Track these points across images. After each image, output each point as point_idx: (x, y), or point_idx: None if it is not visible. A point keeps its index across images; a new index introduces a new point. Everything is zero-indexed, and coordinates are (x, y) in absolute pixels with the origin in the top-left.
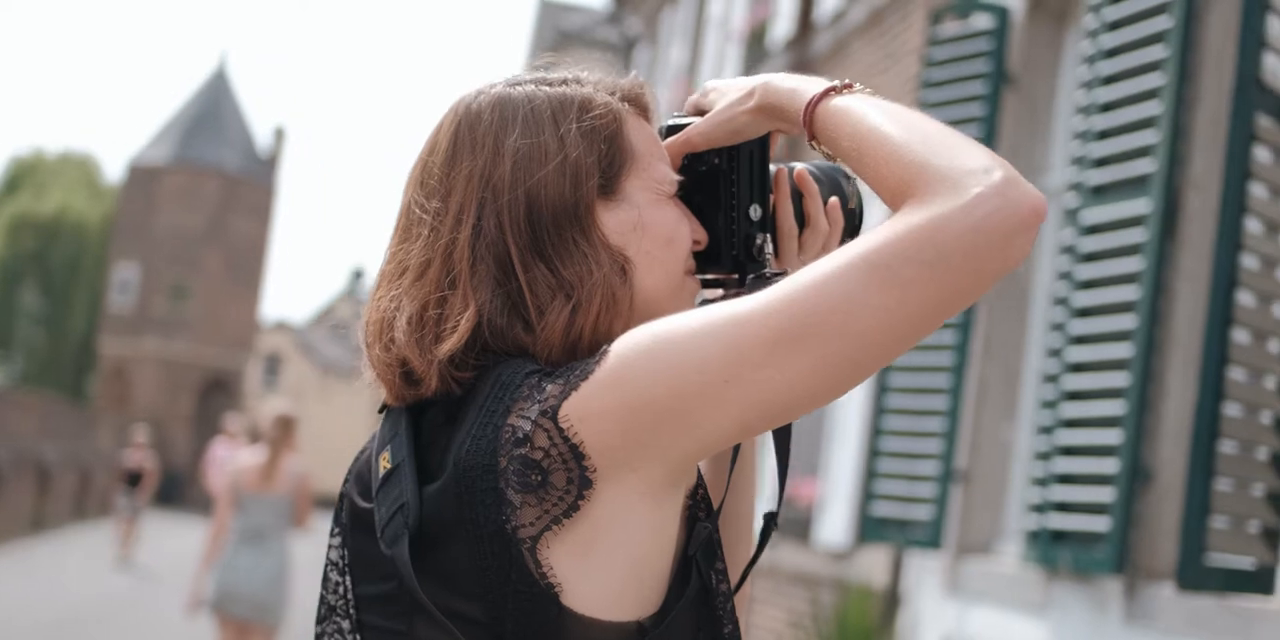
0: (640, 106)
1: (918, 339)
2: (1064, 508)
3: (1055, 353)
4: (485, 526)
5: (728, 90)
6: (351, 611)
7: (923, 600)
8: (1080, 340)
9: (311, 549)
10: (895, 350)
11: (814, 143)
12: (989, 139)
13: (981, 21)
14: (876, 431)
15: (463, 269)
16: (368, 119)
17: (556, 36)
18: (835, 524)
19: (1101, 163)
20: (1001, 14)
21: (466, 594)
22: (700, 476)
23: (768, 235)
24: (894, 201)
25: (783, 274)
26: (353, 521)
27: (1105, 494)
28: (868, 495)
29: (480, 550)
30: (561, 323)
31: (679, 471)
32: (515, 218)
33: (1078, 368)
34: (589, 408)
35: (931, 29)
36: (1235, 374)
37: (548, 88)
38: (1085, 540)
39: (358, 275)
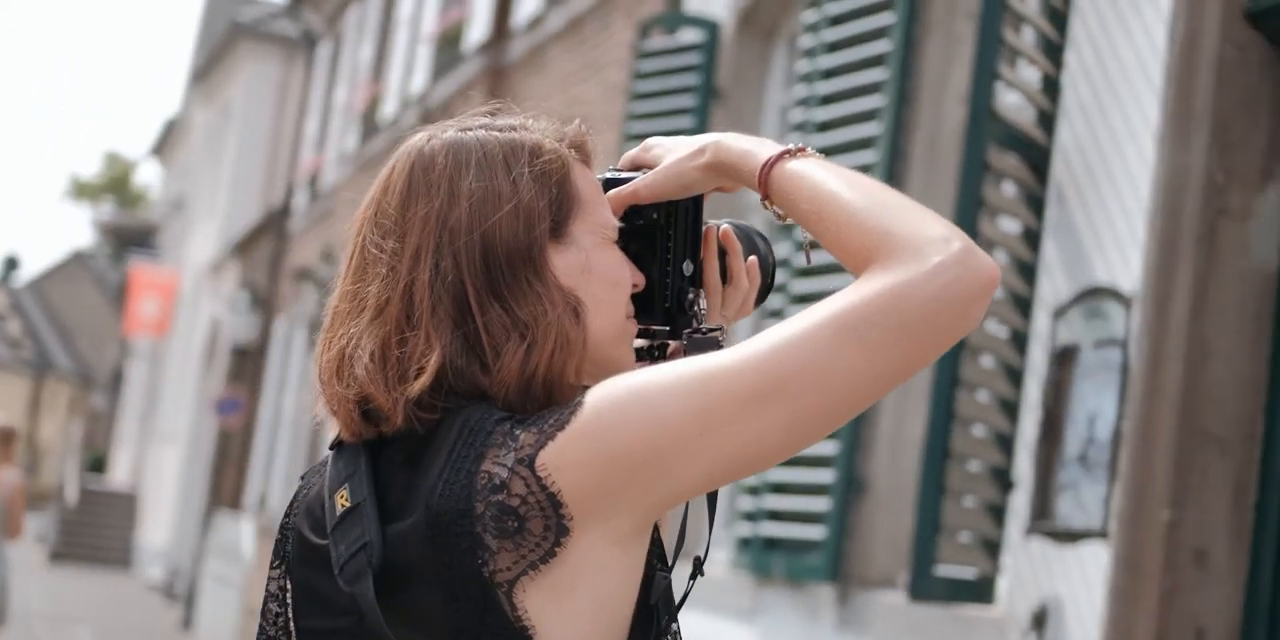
0: (584, 153)
1: (882, 395)
2: (777, 516)
3: None
4: (459, 569)
5: (674, 146)
6: None
7: None
8: None
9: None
10: (860, 406)
11: (766, 202)
12: None
13: (691, 35)
14: None
15: (423, 309)
16: (26, 103)
17: (229, 28)
18: None
19: None
20: (711, 29)
21: (434, 634)
22: (655, 526)
23: (700, 291)
24: (856, 265)
25: (719, 329)
26: (301, 556)
27: (820, 503)
28: None
29: (453, 592)
30: (517, 363)
31: (648, 520)
32: (472, 259)
33: None
34: (565, 457)
35: (639, 41)
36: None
37: (498, 133)
38: (798, 548)
39: (11, 264)
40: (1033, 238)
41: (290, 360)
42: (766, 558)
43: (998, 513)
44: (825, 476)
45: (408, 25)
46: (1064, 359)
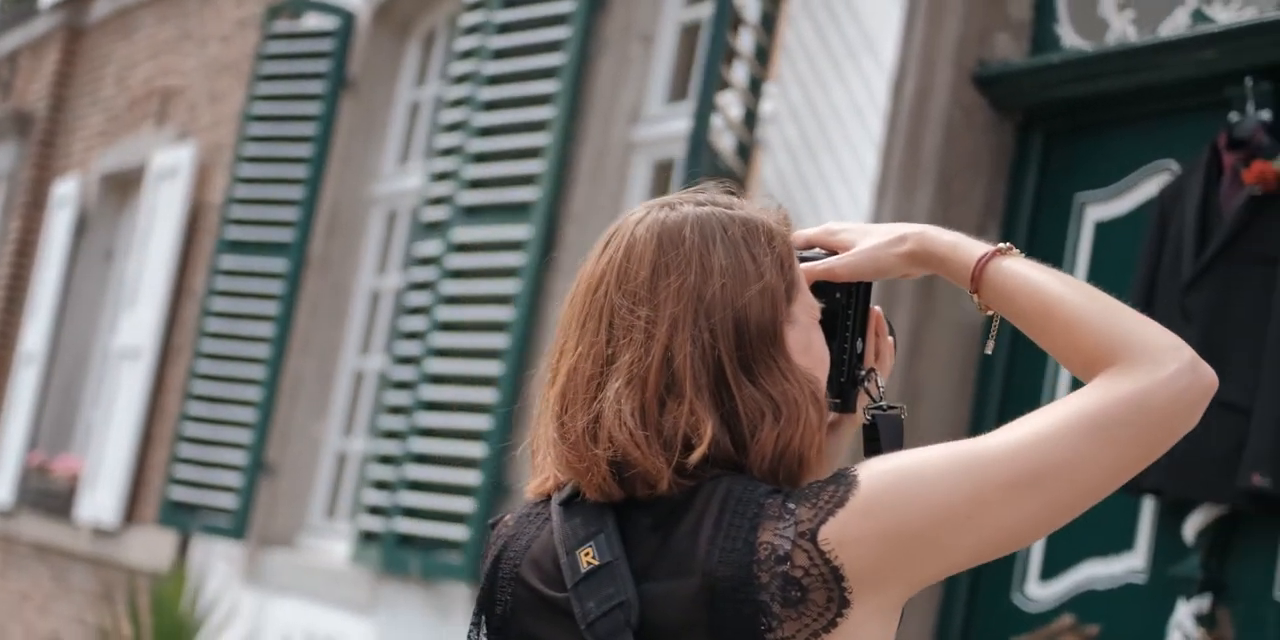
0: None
1: (1117, 487)
2: (412, 513)
3: (412, 361)
4: (737, 634)
5: (865, 231)
6: None
7: (224, 590)
8: (443, 353)
9: None
10: (1101, 496)
11: (975, 295)
12: (324, 140)
13: (322, 22)
14: (183, 417)
15: (685, 379)
16: None
17: None
18: (105, 503)
19: (477, 184)
20: (346, 18)
21: None
22: None
23: (874, 368)
24: (1086, 365)
25: (900, 407)
26: (529, 608)
27: (464, 504)
28: (168, 479)
29: None
30: (771, 439)
31: (912, 593)
32: (726, 334)
33: (438, 379)
34: (847, 533)
35: (266, 22)
36: None
37: (728, 210)
38: (432, 546)
39: None
40: None
41: None
42: (398, 554)
43: None
44: (471, 478)
45: None
46: None
